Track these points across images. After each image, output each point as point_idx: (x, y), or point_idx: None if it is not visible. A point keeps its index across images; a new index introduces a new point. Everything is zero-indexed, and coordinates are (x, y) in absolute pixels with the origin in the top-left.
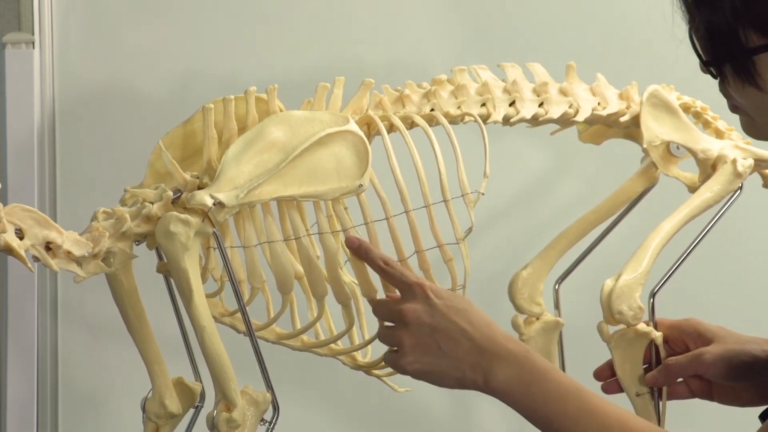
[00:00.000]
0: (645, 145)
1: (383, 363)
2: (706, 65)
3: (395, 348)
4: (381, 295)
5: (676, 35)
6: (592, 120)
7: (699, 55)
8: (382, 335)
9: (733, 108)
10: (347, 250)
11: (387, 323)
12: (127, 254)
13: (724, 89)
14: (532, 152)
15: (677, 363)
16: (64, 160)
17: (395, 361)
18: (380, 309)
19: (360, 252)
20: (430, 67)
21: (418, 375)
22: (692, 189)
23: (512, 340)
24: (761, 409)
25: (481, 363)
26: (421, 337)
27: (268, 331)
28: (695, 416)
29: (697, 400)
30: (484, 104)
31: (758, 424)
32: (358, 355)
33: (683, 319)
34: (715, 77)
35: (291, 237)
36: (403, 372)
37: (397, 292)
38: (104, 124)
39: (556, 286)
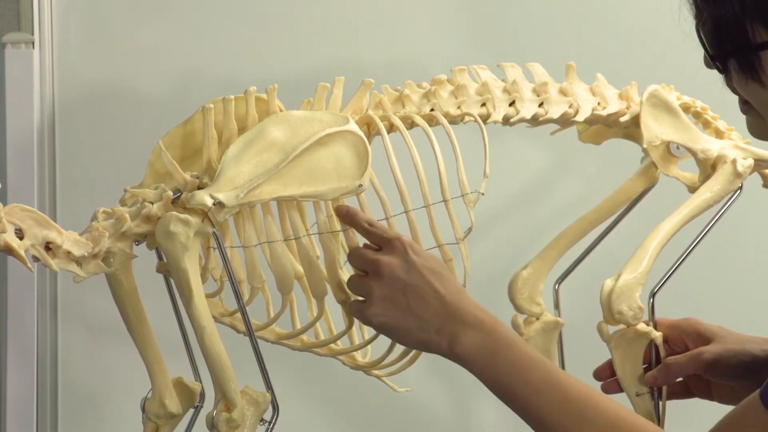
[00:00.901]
0: (645, 145)
1: (382, 363)
2: (712, 59)
3: (363, 298)
4: None
5: (682, 29)
6: (592, 120)
7: (705, 49)
8: (352, 282)
9: (744, 108)
10: (347, 250)
11: (359, 272)
12: (127, 254)
13: (731, 85)
14: (532, 152)
15: (677, 363)
16: (63, 160)
17: (361, 311)
18: (356, 257)
19: (347, 217)
20: (430, 67)
21: (381, 328)
22: (692, 189)
23: (481, 309)
24: None
25: (448, 327)
26: (392, 291)
27: (267, 331)
28: (695, 416)
29: (696, 400)
30: (484, 104)
31: None
32: (358, 355)
33: (683, 319)
34: (720, 72)
35: (291, 237)
36: (367, 323)
37: None
38: (104, 124)
39: (556, 286)
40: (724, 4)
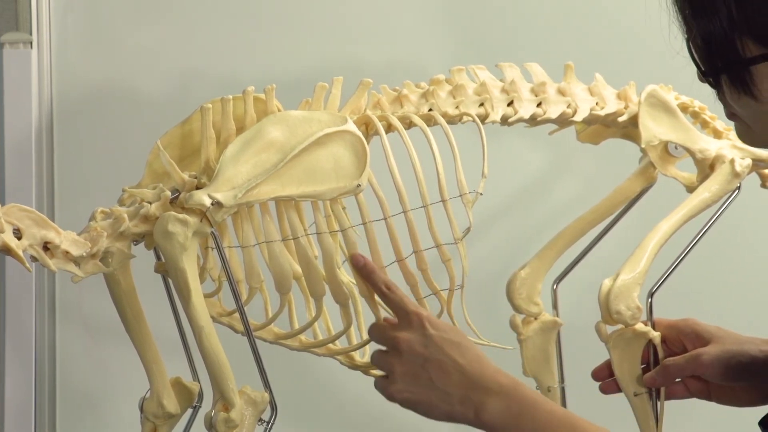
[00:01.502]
0: (643, 145)
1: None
2: (704, 75)
3: (386, 374)
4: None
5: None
6: (590, 120)
7: (697, 66)
8: (375, 358)
9: (730, 115)
10: (345, 250)
11: (381, 348)
12: (125, 254)
13: (721, 98)
14: (531, 152)
15: (675, 364)
16: (62, 160)
17: (385, 388)
18: (375, 333)
19: (364, 272)
20: (428, 67)
21: (406, 404)
22: (690, 189)
23: (502, 373)
24: (759, 409)
25: (472, 397)
26: (413, 366)
27: (266, 331)
28: (693, 416)
29: (695, 400)
30: (482, 104)
31: (755, 425)
32: (356, 355)
33: (681, 320)
34: (713, 87)
35: (289, 237)
36: (392, 399)
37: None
38: (102, 123)
39: (554, 286)
40: (712, 21)
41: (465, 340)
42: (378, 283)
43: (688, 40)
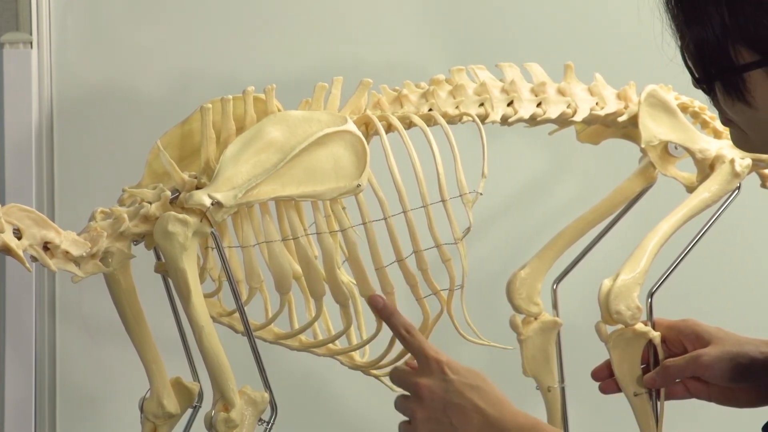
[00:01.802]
0: (643, 145)
1: (380, 363)
2: (698, 83)
3: (408, 419)
4: (379, 292)
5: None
6: (590, 120)
7: (691, 73)
8: (398, 404)
9: (726, 122)
10: (345, 250)
11: (403, 392)
12: (125, 254)
13: (716, 105)
14: (530, 152)
15: (675, 365)
16: (62, 160)
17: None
18: (397, 378)
19: (383, 314)
20: (428, 67)
21: None
22: (690, 189)
23: (522, 414)
24: (759, 411)
25: None
26: (434, 411)
27: (266, 331)
28: (693, 417)
29: (694, 401)
30: (482, 104)
31: (755, 426)
32: (356, 355)
33: (681, 320)
34: (707, 94)
35: (289, 237)
36: None
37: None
38: (102, 123)
39: (554, 286)
40: (705, 28)
41: (485, 383)
42: (398, 326)
43: (681, 47)
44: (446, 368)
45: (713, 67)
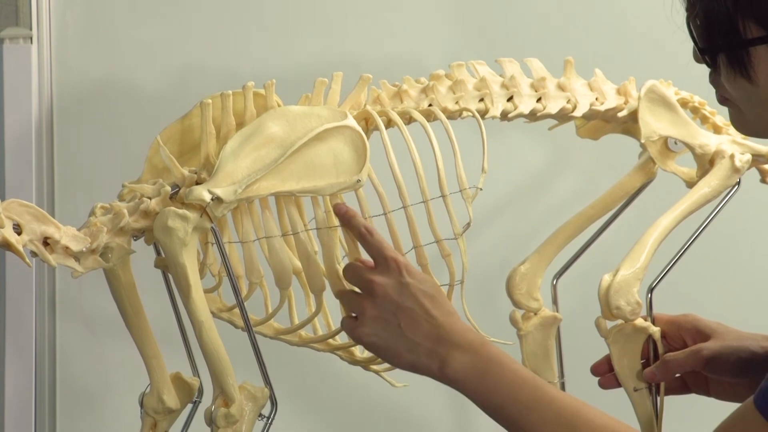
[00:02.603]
0: (643, 141)
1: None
2: (702, 53)
3: (355, 315)
4: None
5: (674, 20)
6: (590, 115)
7: (695, 42)
8: (346, 298)
9: (723, 100)
10: (345, 245)
11: (354, 288)
12: (125, 249)
13: (714, 79)
14: (530, 148)
15: (675, 359)
16: (61, 156)
17: (352, 329)
18: (350, 273)
19: (345, 218)
20: (428, 62)
21: (371, 348)
22: (690, 184)
23: (471, 330)
24: None
25: (438, 350)
26: (384, 311)
27: (266, 326)
28: (693, 412)
29: (694, 396)
30: (482, 99)
31: None
32: (356, 351)
33: (681, 315)
34: (709, 66)
35: (289, 232)
36: (358, 341)
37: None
38: (102, 119)
39: (554, 282)
40: (716, 1)
41: (440, 293)
42: (358, 226)
43: (688, 17)
44: (404, 270)
45: (720, 39)
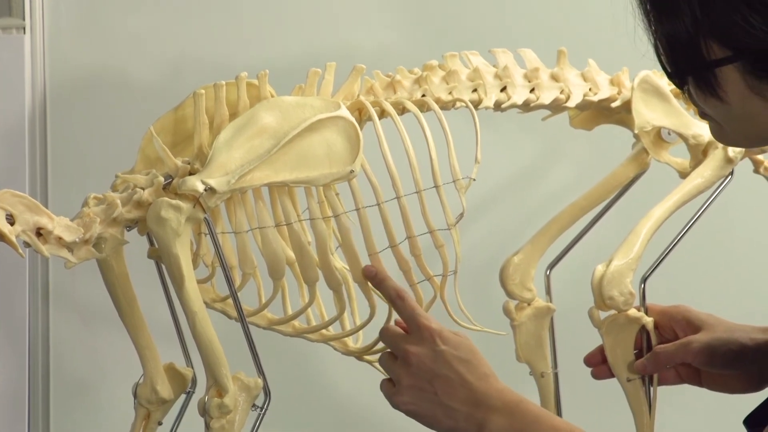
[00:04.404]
0: (636, 131)
1: (374, 349)
2: (669, 77)
3: (392, 380)
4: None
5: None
6: (584, 106)
7: (663, 68)
8: (384, 362)
9: (702, 115)
10: (338, 236)
11: (389, 351)
12: (119, 240)
13: (691, 99)
14: (524, 138)
15: (665, 351)
16: (55, 146)
17: (391, 395)
18: (387, 339)
19: (375, 280)
20: (422, 52)
21: (410, 414)
22: (683, 175)
23: (508, 390)
24: (750, 396)
25: (476, 414)
26: (420, 380)
27: (259, 316)
28: (685, 402)
29: (687, 386)
30: (475, 90)
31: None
32: (350, 341)
33: (673, 306)
34: (680, 88)
35: (282, 223)
36: (396, 408)
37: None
38: (95, 109)
39: (548, 272)
40: (676, 24)
41: (474, 356)
42: (390, 291)
43: (654, 42)
44: (437, 338)
45: (684, 62)
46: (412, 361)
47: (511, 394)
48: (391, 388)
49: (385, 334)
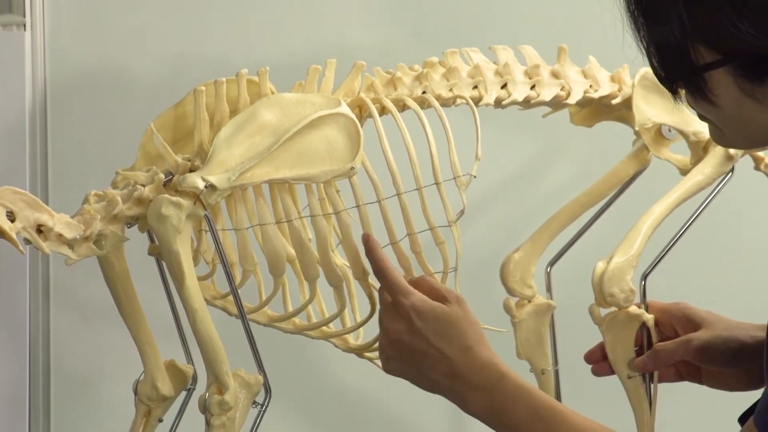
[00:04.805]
0: (637, 128)
1: (374, 346)
2: (662, 82)
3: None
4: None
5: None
6: (584, 102)
7: (656, 73)
8: (380, 320)
9: (701, 116)
10: (339, 233)
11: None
12: (119, 237)
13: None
14: (524, 135)
15: (665, 349)
16: (55, 143)
17: (383, 363)
18: (379, 311)
19: (366, 246)
20: (422, 49)
21: (403, 379)
22: (684, 171)
23: (490, 364)
24: (750, 394)
25: (456, 388)
26: (402, 353)
27: (259, 313)
28: (686, 399)
29: (687, 383)
30: (475, 87)
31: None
32: (350, 338)
33: (673, 303)
34: (673, 93)
35: (283, 220)
36: (390, 374)
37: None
38: (96, 106)
39: (548, 269)
40: (664, 30)
41: (454, 328)
42: (373, 263)
43: (645, 49)
44: (413, 315)
45: (674, 68)
46: (392, 337)
47: (491, 370)
48: (382, 353)
49: (380, 305)
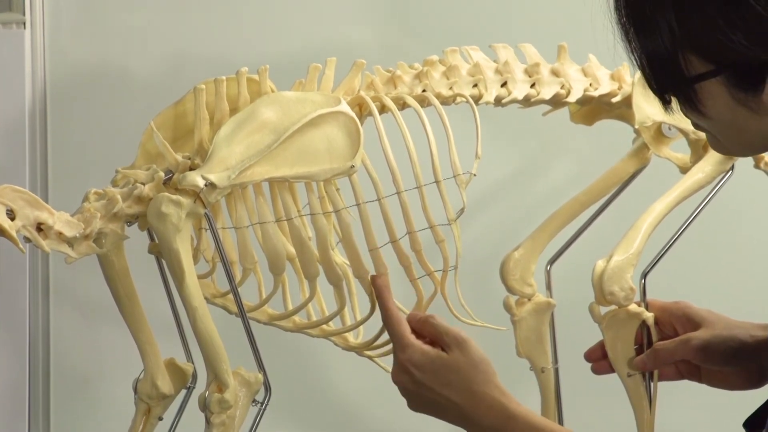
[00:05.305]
0: (637, 126)
1: (374, 344)
2: (654, 93)
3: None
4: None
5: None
6: (584, 101)
7: (649, 84)
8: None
9: (696, 125)
10: (339, 231)
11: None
12: (119, 235)
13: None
14: (524, 133)
15: (665, 348)
16: (55, 141)
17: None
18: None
19: (376, 291)
20: (422, 47)
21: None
22: (684, 170)
23: (498, 406)
24: (751, 393)
25: (469, 429)
26: (414, 401)
27: (259, 312)
28: (686, 398)
29: (687, 382)
30: (476, 85)
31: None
32: (350, 336)
33: (673, 302)
34: (665, 104)
35: (283, 218)
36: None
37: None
38: (96, 104)
39: (548, 267)
40: (655, 39)
41: (455, 372)
42: (382, 311)
43: (636, 60)
44: (412, 369)
45: (665, 79)
46: (400, 387)
47: (499, 411)
48: (402, 391)
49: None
